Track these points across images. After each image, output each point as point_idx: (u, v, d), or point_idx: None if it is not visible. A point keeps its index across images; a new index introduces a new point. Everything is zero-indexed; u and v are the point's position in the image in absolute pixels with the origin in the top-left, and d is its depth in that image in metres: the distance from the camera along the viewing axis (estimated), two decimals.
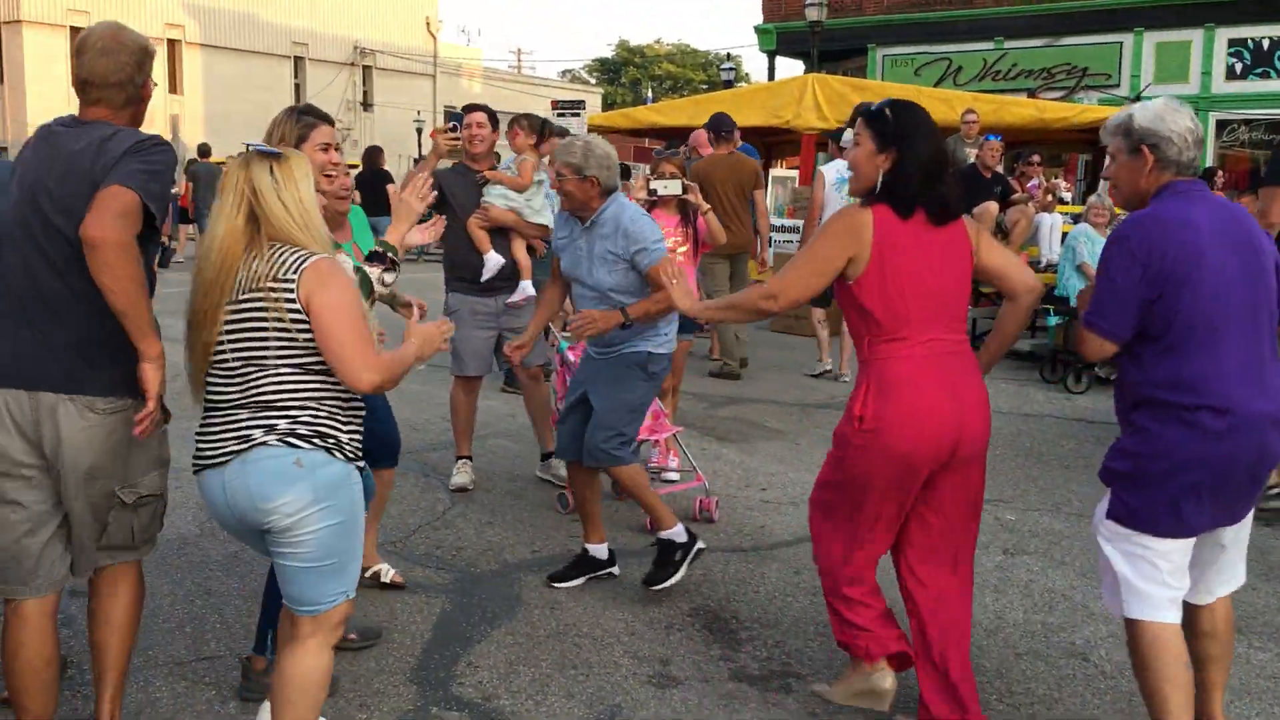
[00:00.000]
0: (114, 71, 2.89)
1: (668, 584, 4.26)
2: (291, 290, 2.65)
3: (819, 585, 4.41)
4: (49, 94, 34.77)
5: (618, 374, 4.36)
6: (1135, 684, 3.14)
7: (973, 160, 10.27)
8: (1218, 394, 2.89)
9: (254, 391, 2.69)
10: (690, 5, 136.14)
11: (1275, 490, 5.45)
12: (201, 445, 2.76)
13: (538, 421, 5.94)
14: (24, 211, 2.81)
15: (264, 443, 2.66)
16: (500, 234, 5.75)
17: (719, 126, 8.59)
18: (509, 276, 5.74)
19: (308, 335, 2.67)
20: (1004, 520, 5.40)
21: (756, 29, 25.03)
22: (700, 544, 4.38)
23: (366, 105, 42.78)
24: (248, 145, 2.79)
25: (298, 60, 40.79)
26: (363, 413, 2.89)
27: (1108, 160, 3.19)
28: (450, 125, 5.62)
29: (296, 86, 39.85)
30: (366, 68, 42.68)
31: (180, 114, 37.43)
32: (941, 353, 3.14)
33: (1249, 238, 2.98)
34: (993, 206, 9.55)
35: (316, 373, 2.72)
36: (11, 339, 2.82)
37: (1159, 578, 2.99)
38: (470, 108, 5.83)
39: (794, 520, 5.31)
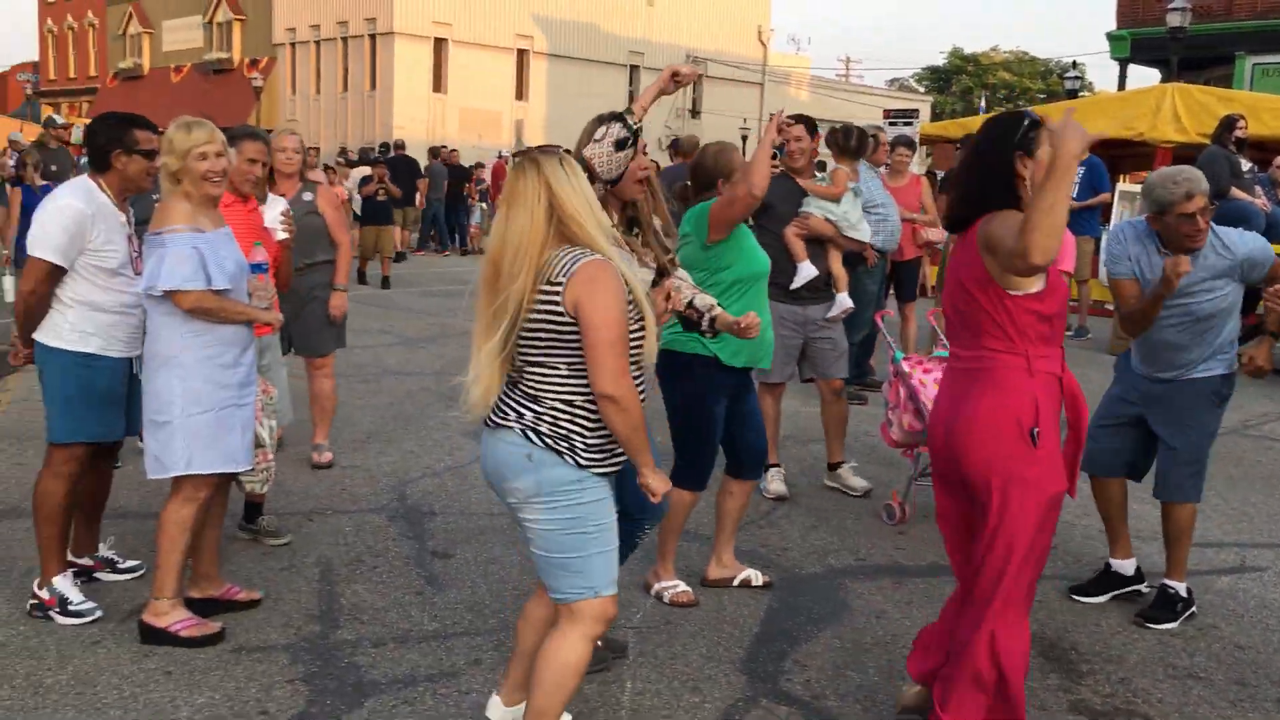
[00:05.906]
0: None
1: (1162, 626, 4.25)
2: (559, 294, 2.70)
3: (1166, 626, 4.17)
4: (413, 99, 38.10)
5: (1192, 403, 4.25)
6: None
7: None
8: None
9: (522, 377, 2.83)
10: (1031, 12, 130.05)
11: None
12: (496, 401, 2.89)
13: (831, 434, 5.94)
14: None
15: (510, 427, 2.81)
16: (817, 245, 5.79)
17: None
18: (818, 288, 5.77)
19: (576, 337, 2.73)
20: None
21: (1109, 35, 23.65)
22: (1194, 609, 4.36)
23: (695, 113, 43.92)
24: (514, 153, 2.86)
25: (633, 69, 42.51)
26: None
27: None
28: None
29: (631, 94, 41.56)
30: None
31: (525, 119, 39.97)
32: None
33: None
34: None
35: (582, 375, 2.77)
36: None
37: None
38: (790, 119, 5.77)
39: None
